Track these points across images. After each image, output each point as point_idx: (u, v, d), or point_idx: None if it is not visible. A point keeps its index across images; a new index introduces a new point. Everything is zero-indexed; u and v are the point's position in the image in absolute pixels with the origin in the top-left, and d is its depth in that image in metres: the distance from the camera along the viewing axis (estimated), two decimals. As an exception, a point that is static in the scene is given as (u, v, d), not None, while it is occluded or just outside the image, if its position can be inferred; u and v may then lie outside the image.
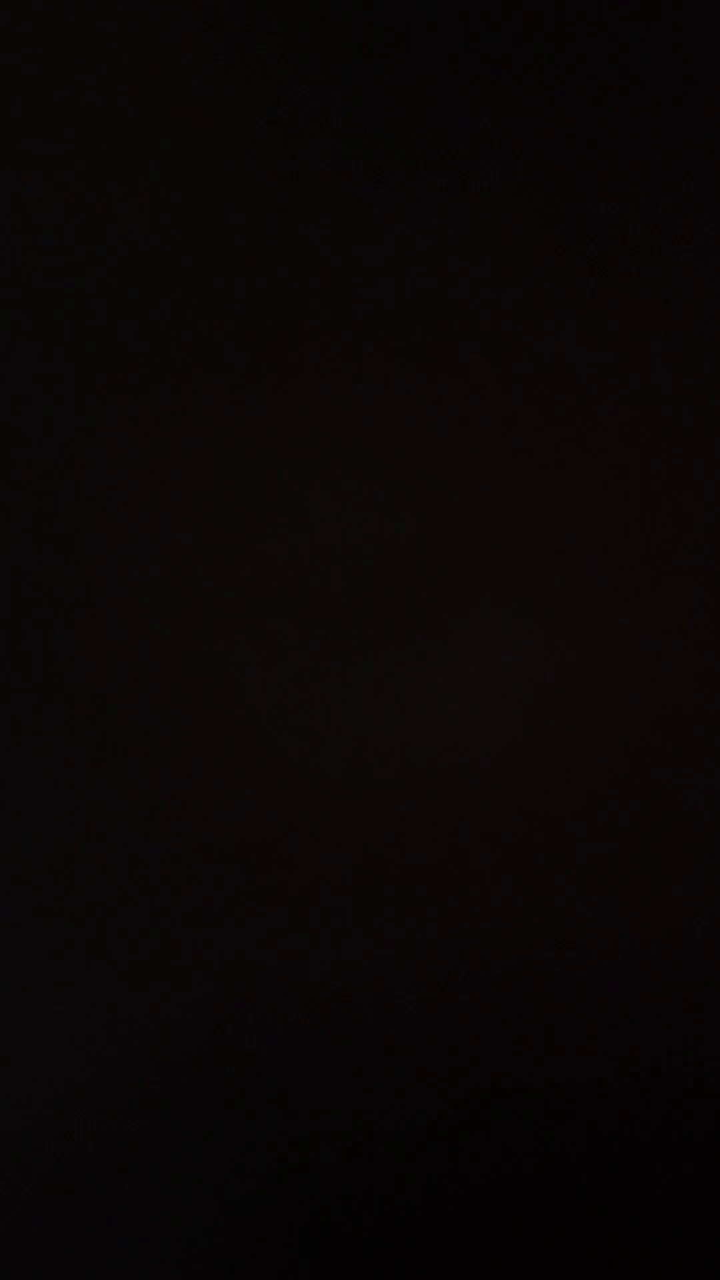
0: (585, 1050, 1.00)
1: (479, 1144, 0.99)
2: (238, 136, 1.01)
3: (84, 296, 1.00)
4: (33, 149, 1.00)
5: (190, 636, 1.00)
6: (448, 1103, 0.99)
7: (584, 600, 1.01)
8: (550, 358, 1.01)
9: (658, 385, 1.01)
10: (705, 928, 1.00)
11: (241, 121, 1.01)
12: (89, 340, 1.00)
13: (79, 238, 1.00)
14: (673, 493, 1.01)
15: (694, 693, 1.01)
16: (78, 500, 1.00)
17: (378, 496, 1.00)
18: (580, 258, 1.01)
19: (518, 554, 1.01)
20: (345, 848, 0.99)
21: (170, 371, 1.00)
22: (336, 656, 1.00)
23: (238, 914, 0.99)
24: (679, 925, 1.00)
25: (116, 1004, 0.99)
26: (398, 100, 1.01)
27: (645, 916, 1.00)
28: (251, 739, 0.99)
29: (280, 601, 1.00)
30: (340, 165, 1.01)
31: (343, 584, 1.00)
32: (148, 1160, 0.99)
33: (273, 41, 1.01)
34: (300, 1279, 0.99)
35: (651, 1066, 1.00)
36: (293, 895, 0.99)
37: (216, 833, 0.99)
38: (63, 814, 0.99)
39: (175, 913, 0.99)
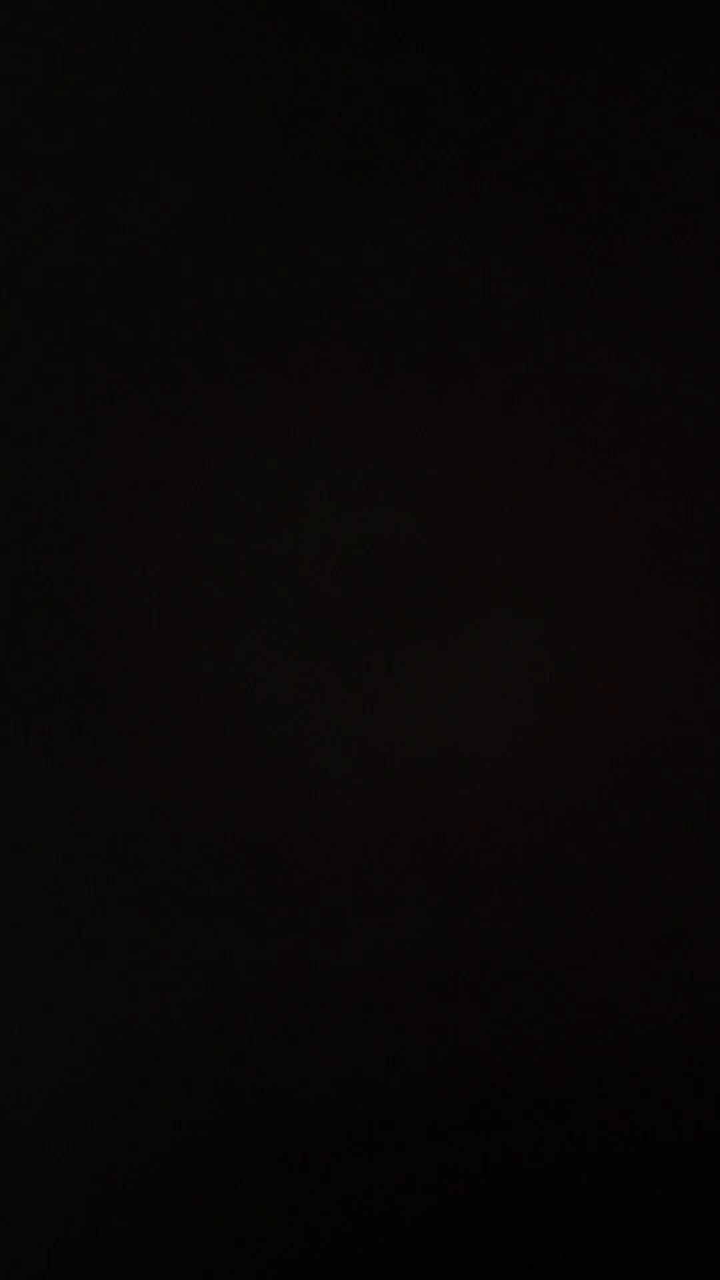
0: (586, 1051, 0.99)
1: (479, 1144, 0.99)
2: (238, 136, 1.01)
3: (84, 296, 1.00)
4: (33, 149, 1.00)
5: (191, 637, 1.00)
6: (448, 1103, 0.99)
7: (585, 600, 1.01)
8: (550, 358, 1.01)
9: (658, 385, 1.01)
10: (706, 928, 1.00)
11: (241, 121, 1.01)
12: (89, 340, 1.00)
13: (79, 238, 1.00)
14: (673, 493, 1.01)
15: (695, 693, 1.01)
16: (78, 500, 1.00)
17: (378, 497, 1.00)
18: (580, 258, 1.01)
19: (519, 554, 1.01)
20: (346, 848, 0.99)
21: (171, 371, 1.00)
22: (338, 657, 1.00)
23: (238, 914, 0.99)
24: (680, 926, 1.00)
25: (116, 1004, 0.99)
26: (398, 100, 1.01)
27: (647, 917, 1.00)
28: (253, 739, 0.99)
29: (281, 601, 1.00)
30: (340, 165, 1.01)
31: (344, 584, 1.00)
32: (148, 1160, 0.99)
33: (273, 41, 1.01)
34: (300, 1279, 0.99)
35: (652, 1067, 1.00)
36: (293, 895, 0.99)
37: (216, 833, 0.99)
38: (63, 814, 0.99)
39: (175, 913, 0.99)
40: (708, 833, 1.00)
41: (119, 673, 0.99)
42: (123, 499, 1.00)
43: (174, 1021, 0.99)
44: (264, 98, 1.01)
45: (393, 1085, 0.99)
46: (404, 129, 1.01)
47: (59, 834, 0.99)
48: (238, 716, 0.99)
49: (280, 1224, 0.99)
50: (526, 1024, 0.99)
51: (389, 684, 1.00)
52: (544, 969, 0.99)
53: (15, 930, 0.98)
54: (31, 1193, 0.99)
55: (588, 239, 1.01)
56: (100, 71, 1.00)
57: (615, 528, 1.01)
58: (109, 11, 1.00)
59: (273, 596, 1.00)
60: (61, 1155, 0.98)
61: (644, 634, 1.01)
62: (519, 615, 1.00)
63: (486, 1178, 0.99)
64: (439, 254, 1.01)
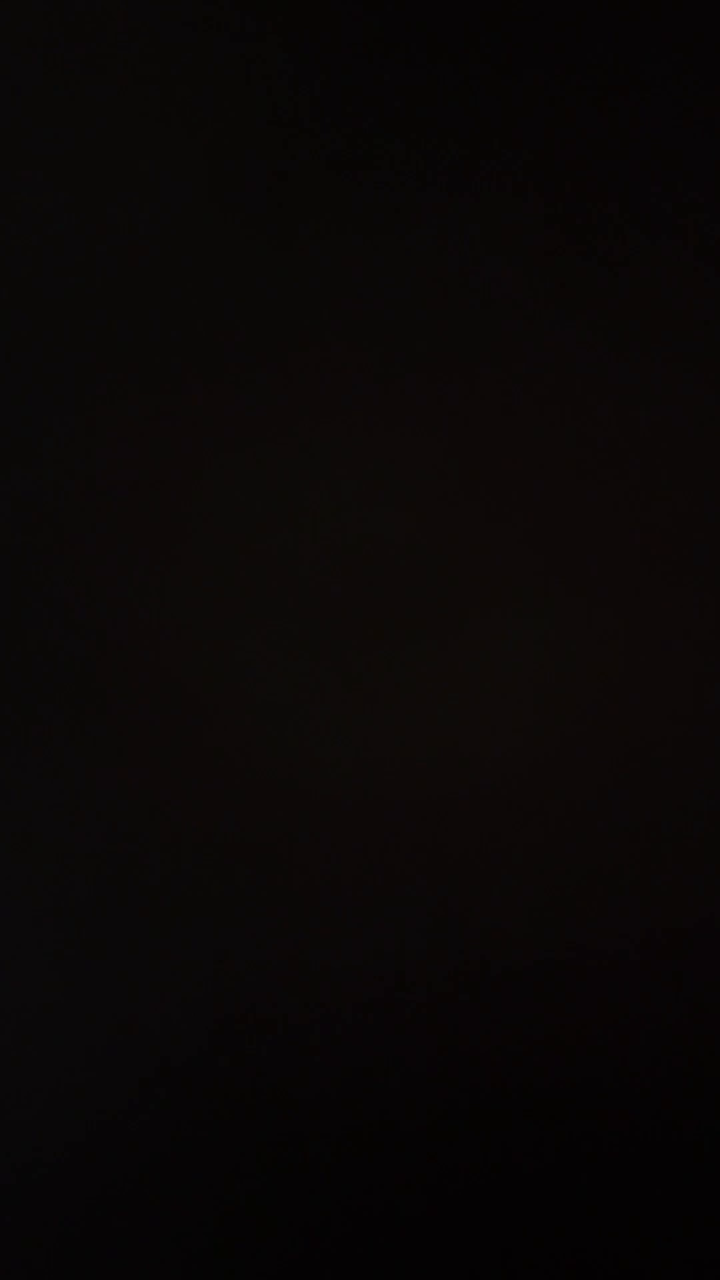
0: (586, 1051, 0.99)
1: (480, 1144, 0.99)
2: (238, 136, 1.01)
3: (84, 296, 1.00)
4: (33, 149, 1.00)
5: (191, 637, 1.00)
6: (448, 1103, 0.99)
7: (585, 600, 1.01)
8: (550, 358, 1.01)
9: (658, 385, 1.01)
10: (706, 928, 1.00)
11: (241, 121, 1.01)
12: (89, 340, 1.00)
13: (79, 238, 1.00)
14: (673, 493, 1.01)
15: (695, 693, 1.01)
16: (78, 500, 1.00)
17: (378, 497, 1.00)
18: (580, 258, 1.01)
19: (519, 554, 1.01)
20: (346, 848, 0.99)
21: (171, 371, 1.00)
22: (338, 657, 1.00)
23: (238, 914, 0.99)
24: (680, 926, 1.00)
25: (116, 1004, 0.99)
26: (398, 100, 1.01)
27: (647, 917, 1.00)
28: (253, 739, 0.99)
29: (282, 601, 1.00)
30: (340, 165, 1.01)
31: (344, 584, 1.00)
32: (148, 1160, 0.99)
33: (273, 41, 1.01)
34: (300, 1279, 0.99)
35: (653, 1067, 1.00)
36: (293, 895, 0.99)
37: (216, 832, 0.99)
38: (62, 814, 0.99)
39: (175, 912, 0.99)
40: (708, 833, 1.00)
41: (119, 673, 0.99)
42: (123, 499, 1.00)
43: (174, 1021, 0.99)
44: (264, 98, 1.01)
45: (393, 1085, 0.99)
46: (404, 129, 1.01)
47: (59, 834, 0.99)
48: (238, 716, 0.99)
49: (280, 1224, 0.99)
50: (526, 1024, 0.99)
51: (389, 684, 1.00)
52: (544, 969, 0.99)
53: (15, 930, 0.98)
54: (31, 1193, 0.98)
55: (588, 239, 1.01)
56: (100, 71, 1.00)
57: (615, 528, 1.01)
58: (109, 11, 1.00)
59: (273, 596, 1.00)
60: (61, 1155, 0.98)
61: (644, 634, 1.01)
62: (519, 615, 1.00)
63: (487, 1178, 0.99)
64: (439, 254, 1.01)
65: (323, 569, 1.00)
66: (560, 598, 1.00)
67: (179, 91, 1.01)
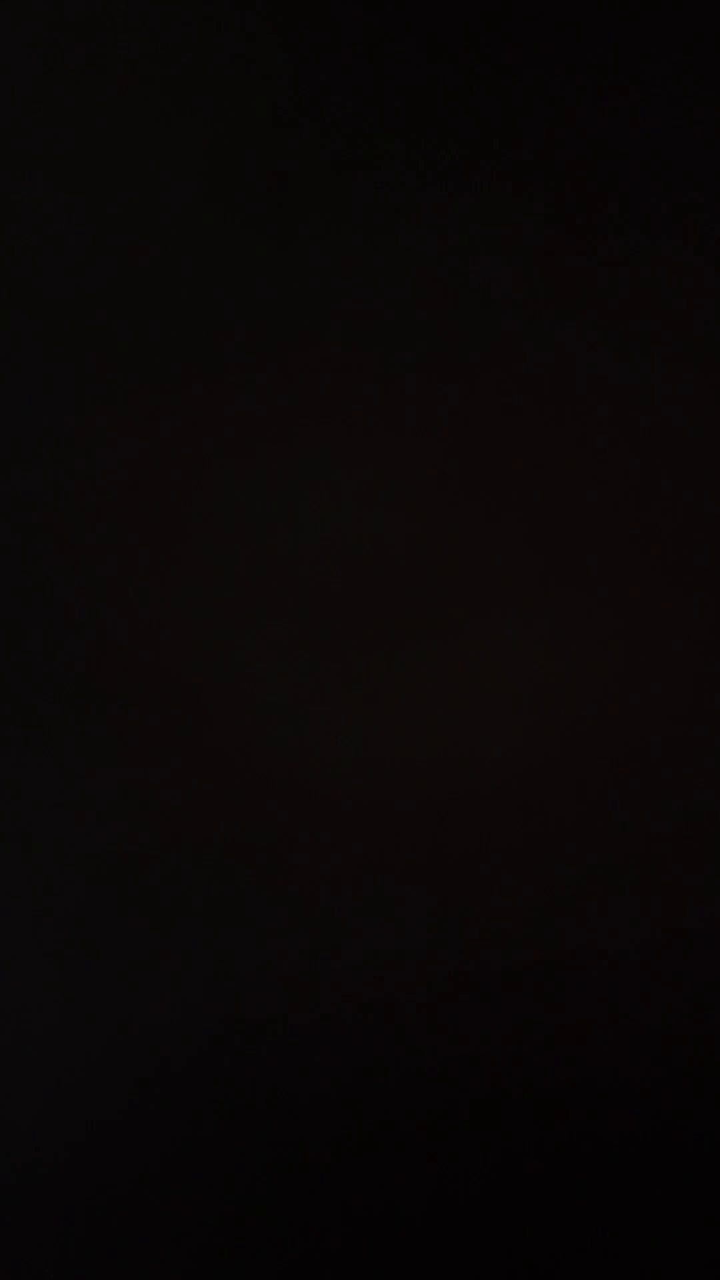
0: (586, 1051, 0.99)
1: (480, 1145, 0.99)
2: (238, 136, 1.01)
3: (84, 296, 1.00)
4: (33, 149, 1.00)
5: (191, 637, 0.99)
6: (448, 1103, 0.99)
7: (585, 600, 1.01)
8: (550, 358, 1.01)
9: (658, 385, 1.01)
10: (706, 928, 1.00)
11: (241, 121, 1.01)
12: (89, 340, 1.00)
13: (79, 238, 1.00)
14: (673, 493, 1.01)
15: (695, 693, 1.01)
16: (78, 500, 1.00)
17: (378, 497, 1.00)
18: (580, 258, 1.01)
19: (519, 554, 1.01)
20: (346, 848, 0.99)
21: (171, 372, 1.00)
22: (338, 657, 1.00)
23: (238, 914, 0.99)
24: (680, 926, 1.00)
25: (116, 1005, 0.99)
26: (398, 100, 1.01)
27: (647, 917, 1.00)
28: (252, 740, 0.99)
29: (282, 601, 1.00)
30: (340, 165, 1.01)
31: (344, 584, 1.00)
32: (148, 1161, 0.99)
33: (273, 41, 1.01)
34: (300, 1279, 0.99)
35: (653, 1067, 1.00)
36: (293, 895, 0.99)
37: (216, 832, 0.99)
38: (62, 814, 0.99)
39: (175, 912, 0.99)
40: (708, 833, 1.00)
41: (119, 673, 0.99)
42: (123, 499, 1.00)
43: (174, 1022, 0.99)
44: (264, 98, 1.01)
45: (393, 1085, 0.99)
46: (404, 129, 1.01)
47: (59, 834, 0.99)
48: (238, 716, 0.99)
49: (280, 1224, 0.99)
50: (526, 1024, 0.99)
51: (389, 684, 1.00)
52: (544, 969, 0.99)
53: (15, 931, 0.98)
54: (31, 1193, 0.98)
55: (588, 239, 1.01)
56: (100, 71, 1.00)
57: (615, 528, 1.01)
58: (109, 11, 1.00)
59: (273, 596, 1.00)
60: (61, 1156, 0.98)
61: (644, 634, 1.01)
62: (519, 615, 1.00)
63: (486, 1178, 0.99)
64: (439, 254, 1.01)
65: (323, 569, 1.00)
66: (560, 598, 1.00)
67: (179, 91, 1.01)
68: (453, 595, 1.00)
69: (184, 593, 0.99)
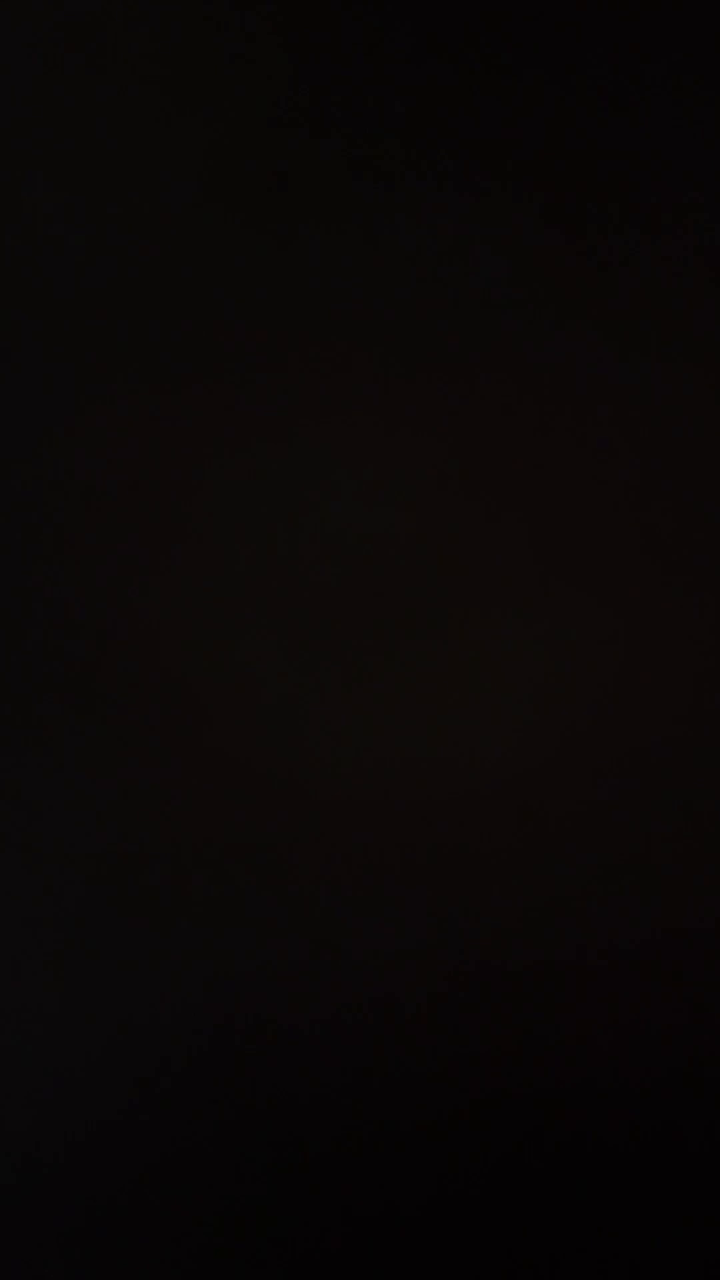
0: (586, 1051, 0.99)
1: (480, 1145, 0.99)
2: (238, 136, 1.01)
3: (84, 296, 1.00)
4: (33, 149, 1.00)
5: (191, 637, 0.99)
6: (448, 1104, 0.99)
7: (585, 600, 1.01)
8: (550, 358, 1.01)
9: (658, 385, 1.01)
10: (706, 928, 1.00)
11: (241, 121, 1.01)
12: (89, 340, 1.00)
13: (80, 238, 1.00)
14: (673, 493, 1.01)
15: (695, 693, 1.01)
16: (78, 500, 1.00)
17: (378, 496, 1.00)
18: (580, 257, 1.01)
19: (519, 554, 1.01)
20: (346, 848, 0.99)
21: (171, 371, 1.00)
22: (338, 657, 1.00)
23: (238, 914, 0.99)
24: (680, 926, 1.00)
25: (116, 1005, 0.99)
26: (398, 100, 1.01)
27: (647, 917, 1.00)
28: (252, 740, 0.99)
29: (281, 601, 1.00)
30: (340, 165, 1.01)
31: (344, 584, 1.00)
32: (148, 1161, 0.99)
33: (273, 41, 1.01)
34: (300, 1279, 0.99)
35: (653, 1067, 1.00)
36: (293, 896, 0.99)
37: (216, 833, 0.99)
38: (62, 814, 0.99)
39: (175, 913, 0.99)
40: (708, 833, 1.00)
41: (119, 673, 0.99)
42: (122, 499, 1.00)
43: (174, 1022, 0.99)
44: (264, 98, 1.01)
45: (393, 1085, 0.99)
46: (404, 129, 1.01)
47: (59, 834, 0.99)
48: (238, 716, 0.99)
49: (280, 1224, 0.99)
50: (526, 1024, 0.99)
51: (389, 684, 1.00)
52: (544, 969, 0.99)
53: (15, 931, 0.98)
54: (31, 1193, 0.98)
55: (588, 239, 1.01)
56: (100, 71, 1.00)
57: (615, 528, 1.01)
58: (109, 11, 1.00)
59: (273, 596, 1.00)
60: (61, 1156, 0.98)
61: (644, 634, 1.01)
62: (518, 615, 1.00)
63: (487, 1178, 0.99)
64: (439, 254, 1.01)
65: (322, 569, 1.00)
66: (560, 598, 1.00)
67: (179, 91, 1.01)
68: (453, 595, 1.00)
69: (184, 593, 0.99)
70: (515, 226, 1.01)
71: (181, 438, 1.00)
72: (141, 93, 1.00)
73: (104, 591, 0.99)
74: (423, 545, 1.00)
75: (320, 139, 1.01)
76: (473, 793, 1.00)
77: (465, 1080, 0.99)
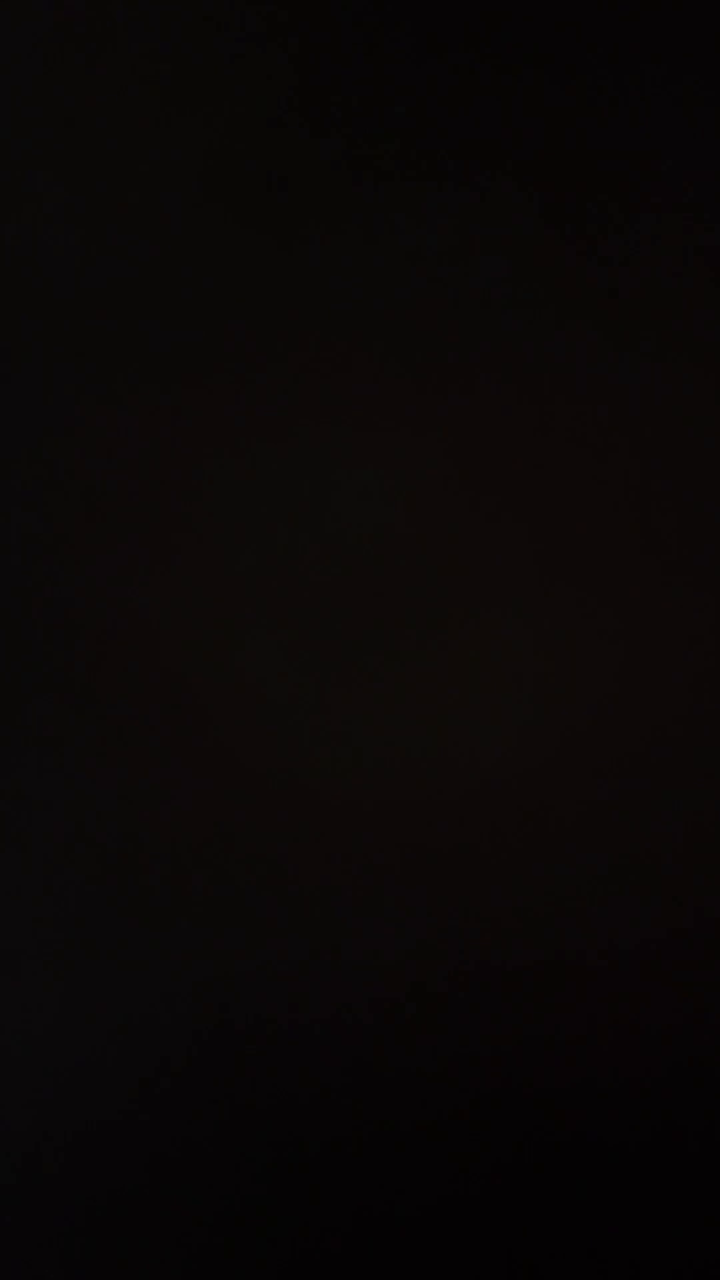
0: (586, 1051, 0.99)
1: (480, 1144, 0.99)
2: (238, 136, 1.01)
3: (84, 296, 1.00)
4: (34, 149, 1.00)
5: (191, 637, 0.99)
6: (448, 1103, 0.99)
7: (585, 600, 1.01)
8: (550, 358, 1.01)
9: (658, 385, 1.01)
10: (706, 928, 1.00)
11: (241, 121, 1.01)
12: (89, 340, 1.00)
13: (80, 238, 1.00)
14: (673, 493, 1.01)
15: (695, 693, 1.01)
16: (78, 501, 1.00)
17: (378, 495, 1.00)
18: (581, 258, 1.01)
19: (518, 553, 1.01)
20: (346, 848, 0.99)
21: (171, 371, 1.00)
22: (337, 656, 1.00)
23: (238, 914, 0.99)
24: (680, 926, 1.00)
25: (115, 1004, 0.99)
26: (398, 100, 1.01)
27: (647, 917, 1.00)
28: (252, 740, 0.99)
29: (281, 601, 1.00)
30: (341, 166, 1.01)
31: (344, 583, 1.00)
32: (147, 1160, 0.99)
33: (273, 41, 1.01)
34: (300, 1279, 0.99)
35: (653, 1067, 1.00)
36: (293, 896, 0.99)
37: (216, 833, 0.99)
38: (62, 814, 0.99)
39: (174, 912, 0.99)
40: (708, 833, 1.00)
41: (119, 673, 0.99)
42: (123, 499, 1.00)
43: (174, 1022, 0.99)
44: (264, 97, 1.01)
45: (393, 1085, 0.99)
46: (404, 129, 1.01)
47: (59, 834, 0.99)
48: (238, 716, 0.99)
49: (280, 1224, 0.99)
50: (526, 1024, 0.99)
51: (388, 683, 1.00)
52: (544, 969, 0.99)
53: (15, 930, 0.98)
54: (31, 1193, 0.98)
55: (588, 238, 1.01)
56: (100, 71, 1.00)
57: (615, 528, 1.01)
58: (109, 11, 1.01)
59: (273, 596, 1.00)
60: (61, 1155, 0.98)
61: (644, 634, 1.01)
62: (518, 614, 1.00)
63: (487, 1178, 0.99)
64: (439, 254, 1.01)
65: (322, 569, 1.00)
66: (560, 598, 1.00)
67: (179, 91, 1.01)
68: (453, 595, 1.00)
69: (184, 593, 0.99)
70: (515, 226, 1.01)
71: (182, 438, 1.00)
72: (141, 93, 1.00)
73: (104, 591, 0.99)
74: (423, 545, 1.00)
75: (320, 139, 1.01)
76: (473, 793, 1.00)
77: (465, 1080, 0.99)
